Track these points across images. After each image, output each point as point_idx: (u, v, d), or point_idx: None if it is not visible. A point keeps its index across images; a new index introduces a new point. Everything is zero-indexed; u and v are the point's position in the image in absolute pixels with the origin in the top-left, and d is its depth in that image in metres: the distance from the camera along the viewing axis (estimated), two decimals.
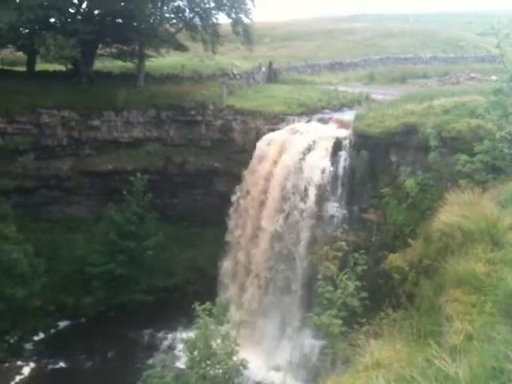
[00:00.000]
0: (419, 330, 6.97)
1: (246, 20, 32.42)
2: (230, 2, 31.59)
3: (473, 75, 29.19)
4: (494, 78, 23.86)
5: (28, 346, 23.87)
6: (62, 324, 25.63)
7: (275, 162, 22.63)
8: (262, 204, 22.89)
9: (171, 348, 23.93)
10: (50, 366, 23.01)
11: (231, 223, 24.88)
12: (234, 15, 31.98)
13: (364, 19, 65.65)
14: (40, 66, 32.44)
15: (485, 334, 5.51)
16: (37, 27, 28.64)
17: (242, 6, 32.01)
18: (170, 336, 24.87)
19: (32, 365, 22.87)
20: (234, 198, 24.50)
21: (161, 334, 25.15)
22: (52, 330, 25.20)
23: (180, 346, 21.21)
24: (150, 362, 19.79)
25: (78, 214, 29.04)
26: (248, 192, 23.93)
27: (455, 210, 9.02)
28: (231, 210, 24.73)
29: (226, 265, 25.09)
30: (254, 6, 32.47)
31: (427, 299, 8.03)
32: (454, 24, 59.56)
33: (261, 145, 23.96)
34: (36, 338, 24.50)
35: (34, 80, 29.43)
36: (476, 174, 13.09)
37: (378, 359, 6.17)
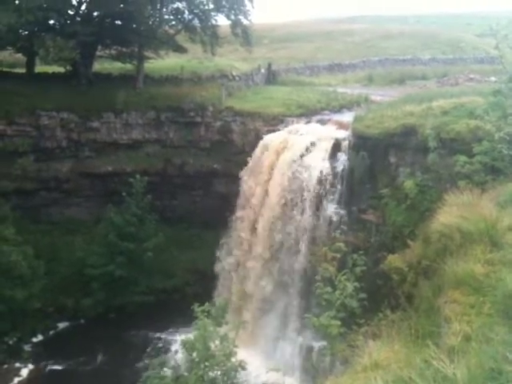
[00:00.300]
0: (417, 330, 6.97)
1: (245, 21, 32.44)
2: (229, 4, 31.62)
3: (472, 76, 29.23)
4: (492, 79, 23.89)
5: (27, 347, 23.85)
6: (62, 325, 25.64)
7: (275, 161, 22.67)
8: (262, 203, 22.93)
9: (170, 349, 23.92)
10: (49, 368, 23.00)
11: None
12: (233, 17, 32.01)
13: (363, 21, 65.72)
14: (39, 68, 32.46)
15: (483, 335, 5.52)
16: (36, 29, 28.66)
17: (241, 8, 32.04)
18: (169, 337, 24.86)
19: (31, 366, 22.86)
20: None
21: (160, 336, 25.13)
22: (51, 332, 25.22)
23: (179, 348, 21.20)
24: (150, 363, 19.76)
25: (78, 216, 29.03)
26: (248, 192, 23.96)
27: (454, 211, 9.03)
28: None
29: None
30: (253, 7, 32.54)
31: (426, 300, 8.03)
32: (454, 25, 59.64)
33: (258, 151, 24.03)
34: (35, 340, 24.50)
35: (34, 82, 29.45)
36: (475, 175, 13.07)
37: (376, 360, 6.17)
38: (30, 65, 31.66)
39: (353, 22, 65.30)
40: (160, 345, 24.58)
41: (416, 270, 10.42)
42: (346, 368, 7.31)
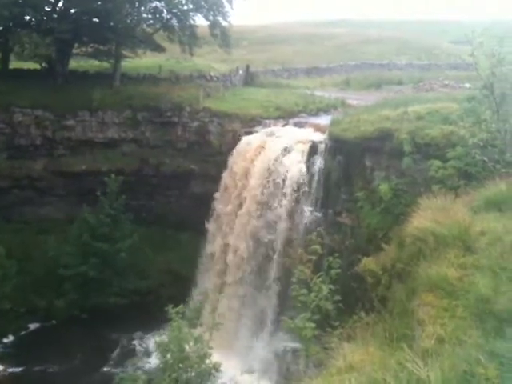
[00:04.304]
0: (392, 333, 7.02)
1: (223, 23, 32.42)
2: (207, 5, 31.54)
3: (446, 82, 29.61)
4: (467, 85, 24.26)
5: None
6: (33, 326, 25.22)
7: (251, 163, 22.69)
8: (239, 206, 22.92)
9: (144, 351, 23.72)
10: (20, 369, 22.60)
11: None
12: (211, 17, 31.95)
13: (342, 25, 66.23)
14: (14, 64, 31.92)
15: (456, 337, 5.59)
16: (11, 24, 28.21)
17: (220, 9, 32.01)
18: (143, 339, 24.66)
19: (0, 367, 22.45)
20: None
21: (134, 337, 24.92)
22: (22, 333, 24.78)
23: (153, 349, 21.06)
24: (123, 364, 19.61)
25: (51, 215, 28.56)
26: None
27: (428, 215, 9.12)
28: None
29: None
30: (232, 8, 32.57)
31: (400, 303, 8.09)
32: (429, 32, 60.46)
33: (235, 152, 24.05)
34: (6, 341, 24.06)
35: (8, 78, 28.92)
36: (448, 179, 13.27)
37: (351, 362, 6.19)
38: (4, 61, 31.10)
39: (332, 26, 65.77)
40: (133, 347, 24.38)
41: (390, 272, 10.49)
42: (320, 370, 7.32)
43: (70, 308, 25.07)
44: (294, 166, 21.18)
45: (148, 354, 23.09)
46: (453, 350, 5.22)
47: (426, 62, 45.68)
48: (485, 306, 6.12)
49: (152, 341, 21.79)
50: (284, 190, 21.15)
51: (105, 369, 22.04)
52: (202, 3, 31.36)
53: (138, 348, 24.24)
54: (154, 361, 19.52)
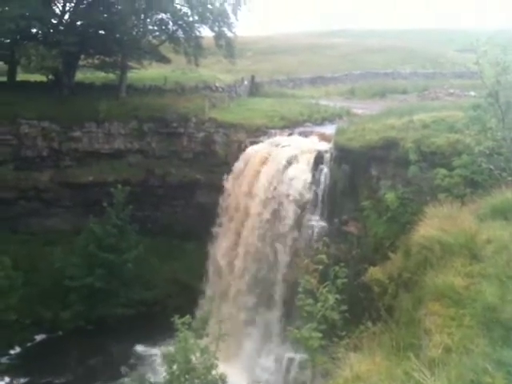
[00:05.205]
0: (398, 343, 6.99)
1: (228, 34, 32.58)
2: (213, 16, 31.73)
3: (452, 91, 29.64)
4: (472, 93, 24.22)
5: (4, 359, 23.37)
6: (39, 338, 25.17)
7: (257, 172, 22.73)
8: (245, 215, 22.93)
9: (150, 362, 23.63)
10: (26, 381, 22.54)
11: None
12: (216, 29, 32.12)
13: (345, 35, 66.39)
14: (21, 77, 32.19)
15: (463, 347, 5.55)
16: (18, 37, 28.47)
17: (225, 20, 32.19)
18: (149, 350, 24.56)
19: (7, 379, 22.37)
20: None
21: (140, 348, 24.83)
22: (28, 344, 24.74)
23: (159, 360, 20.99)
24: (129, 376, 19.50)
25: (57, 226, 28.62)
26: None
27: (434, 224, 9.10)
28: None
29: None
30: (237, 19, 32.72)
31: (406, 312, 8.06)
32: (434, 41, 60.51)
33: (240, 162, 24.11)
34: (12, 352, 24.03)
35: (15, 90, 29.15)
36: (455, 188, 13.22)
37: (357, 372, 6.16)
38: (11, 73, 31.41)
39: (335, 36, 65.95)
40: (140, 358, 24.29)
41: (397, 282, 10.46)
42: (327, 381, 7.29)
43: (75, 319, 25.02)
44: (300, 176, 21.17)
45: (154, 365, 22.99)
46: (460, 359, 5.19)
47: (431, 71, 45.69)
48: (492, 314, 6.08)
49: (158, 352, 21.77)
50: (290, 200, 21.13)
51: (110, 380, 21.95)
52: (208, 15, 31.56)
53: (144, 359, 24.13)
54: (160, 372, 19.44)
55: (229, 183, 24.37)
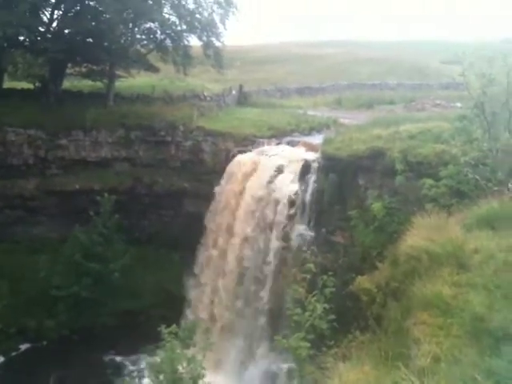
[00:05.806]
0: (387, 352, 6.99)
1: (217, 43, 32.69)
2: (201, 25, 31.82)
3: (438, 102, 29.90)
4: (458, 104, 24.48)
5: None
6: (24, 347, 24.85)
7: (245, 181, 22.76)
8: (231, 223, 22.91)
9: (136, 372, 23.42)
10: None
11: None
12: (205, 38, 32.21)
13: (333, 45, 66.79)
14: (7, 84, 31.94)
15: (452, 356, 5.58)
16: (5, 45, 28.28)
17: (214, 30, 32.30)
18: (135, 360, 24.35)
19: None
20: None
21: (125, 358, 24.60)
22: (13, 353, 24.42)
23: (145, 370, 20.81)
24: None
25: (43, 235, 28.30)
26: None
27: (421, 234, 9.16)
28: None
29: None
30: (225, 29, 32.85)
31: (395, 322, 8.07)
32: (421, 52, 61.09)
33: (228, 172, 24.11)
34: None
35: (1, 98, 28.87)
36: (441, 198, 13.34)
37: (346, 382, 6.16)
38: None
39: (323, 46, 66.34)
40: (125, 367, 24.06)
41: (385, 291, 10.48)
42: None
43: (60, 328, 24.77)
44: (287, 185, 21.21)
45: (140, 374, 22.77)
46: (449, 368, 5.20)
47: (418, 82, 46.07)
48: (480, 324, 6.12)
49: (144, 362, 21.59)
50: (277, 209, 21.14)
51: None
52: (196, 24, 31.63)
53: (129, 369, 23.90)
54: (146, 382, 19.26)
55: (217, 193, 24.37)
